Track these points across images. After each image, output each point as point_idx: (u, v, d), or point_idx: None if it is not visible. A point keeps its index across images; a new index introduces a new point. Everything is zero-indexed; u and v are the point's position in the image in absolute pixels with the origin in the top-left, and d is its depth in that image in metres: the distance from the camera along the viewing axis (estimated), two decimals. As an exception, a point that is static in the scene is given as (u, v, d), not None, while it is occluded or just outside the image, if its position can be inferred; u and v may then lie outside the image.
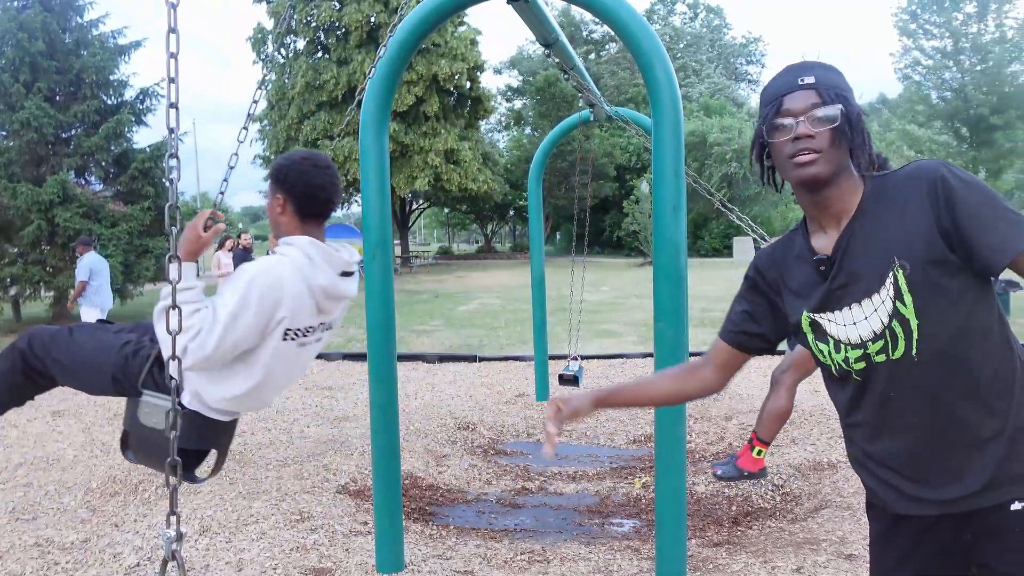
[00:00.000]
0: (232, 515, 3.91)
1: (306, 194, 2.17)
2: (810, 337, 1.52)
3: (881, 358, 1.39)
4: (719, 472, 4.40)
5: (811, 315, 1.49)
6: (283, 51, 27.60)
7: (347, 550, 3.51)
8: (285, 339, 2.12)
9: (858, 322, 1.41)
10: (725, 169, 32.20)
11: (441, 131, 24.92)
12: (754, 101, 54.75)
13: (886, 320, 1.36)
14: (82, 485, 4.49)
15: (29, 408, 6.55)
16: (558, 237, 43.85)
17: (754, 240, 5.45)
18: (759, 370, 7.34)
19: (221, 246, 11.50)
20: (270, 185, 2.23)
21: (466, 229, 59.22)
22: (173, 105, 1.61)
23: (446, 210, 44.23)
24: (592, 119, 6.21)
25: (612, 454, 5.26)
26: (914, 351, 1.35)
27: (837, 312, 1.44)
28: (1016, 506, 1.36)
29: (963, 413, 1.36)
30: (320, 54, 26.66)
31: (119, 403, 6.92)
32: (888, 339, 1.37)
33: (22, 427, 5.94)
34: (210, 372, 2.11)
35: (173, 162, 1.64)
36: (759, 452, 4.19)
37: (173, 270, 1.73)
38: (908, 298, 1.34)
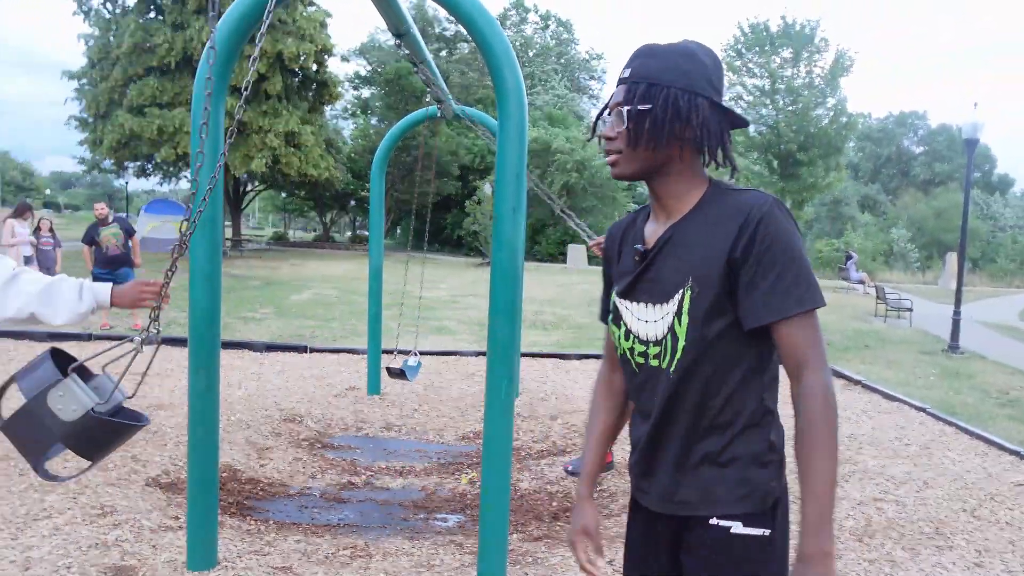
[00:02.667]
0: (20, 509, 3.56)
1: None
2: (611, 316, 1.55)
3: (655, 362, 1.43)
4: (570, 468, 4.63)
5: (616, 297, 1.52)
6: (109, 5, 25.24)
7: (154, 546, 3.30)
8: None
9: (648, 321, 1.44)
10: (566, 178, 33.41)
11: (283, 112, 23.84)
12: (594, 115, 57.18)
13: (665, 331, 1.40)
14: None
15: None
16: (398, 231, 43.43)
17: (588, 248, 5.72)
18: (586, 372, 7.72)
19: (19, 214, 10.35)
20: None
21: (304, 216, 57.09)
22: None
23: (283, 195, 42.38)
24: (440, 115, 6.24)
25: (441, 450, 5.31)
26: (672, 368, 1.40)
27: (635, 304, 1.46)
28: (713, 522, 1.39)
29: (690, 430, 1.40)
30: (153, 15, 24.64)
31: None
32: (665, 348, 1.41)
33: None
34: None
35: None
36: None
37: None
38: (685, 319, 1.36)
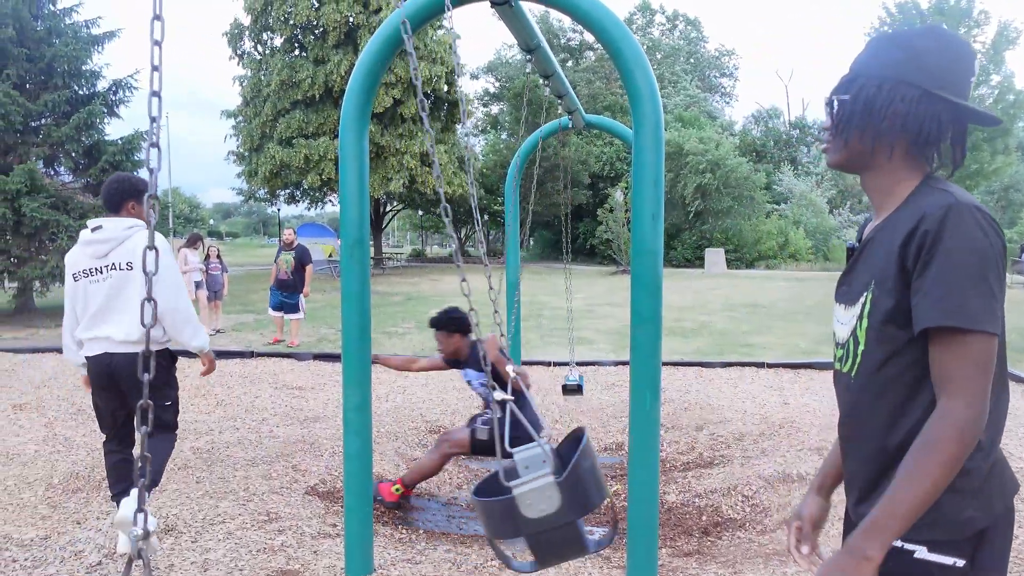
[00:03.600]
0: (198, 514, 3.85)
1: None
2: None
3: (838, 366, 1.42)
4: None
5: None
6: (260, 48, 27.30)
7: (315, 552, 3.47)
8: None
9: (841, 323, 1.41)
10: (699, 180, 32.54)
11: (417, 133, 24.83)
12: (728, 114, 55.43)
13: (848, 335, 1.37)
14: (43, 480, 4.39)
15: (-11, 402, 6.40)
16: (531, 243, 43.94)
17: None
18: (730, 381, 7.43)
19: (191, 244, 11.36)
20: None
21: (440, 232, 59.14)
22: (156, 94, 1.58)
23: (420, 212, 44.06)
24: (570, 126, 6.25)
25: (583, 461, 5.26)
26: (853, 373, 1.36)
27: (837, 304, 1.45)
28: (898, 544, 1.27)
29: (870, 443, 1.34)
30: (297, 52, 26.43)
31: (83, 399, 6.79)
32: (847, 352, 1.38)
33: (-19, 421, 5.79)
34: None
35: (154, 152, 1.60)
36: (397, 489, 4.28)
37: (150, 259, 1.69)
38: (864, 323, 1.31)
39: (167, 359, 3.72)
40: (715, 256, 28.80)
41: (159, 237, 3.09)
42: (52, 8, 14.47)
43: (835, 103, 1.35)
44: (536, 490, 1.68)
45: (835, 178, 39.11)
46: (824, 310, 14.84)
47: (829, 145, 1.39)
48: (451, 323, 4.41)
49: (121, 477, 3.66)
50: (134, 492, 3.50)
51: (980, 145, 30.54)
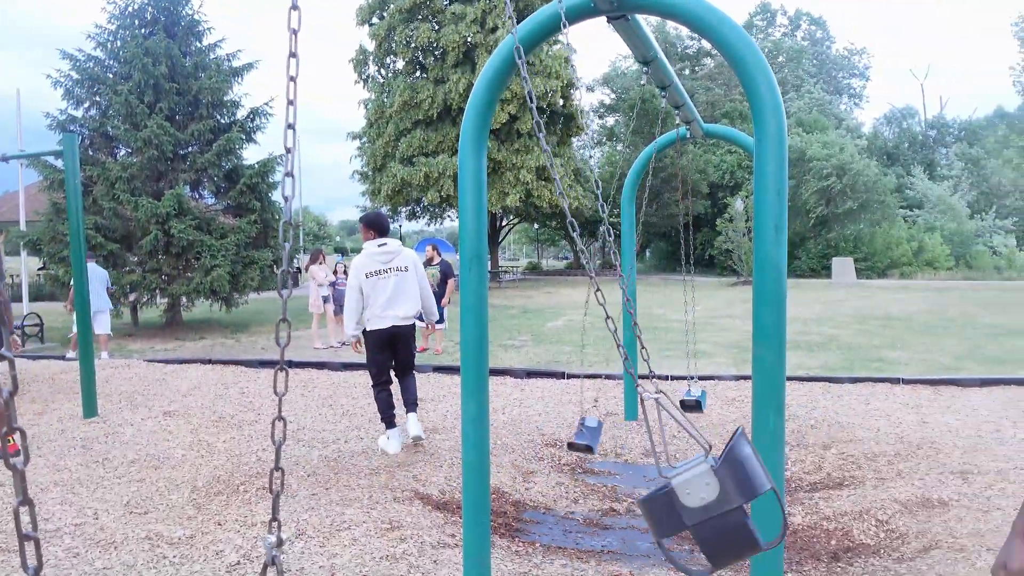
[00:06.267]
0: (326, 520, 4.03)
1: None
2: None
3: None
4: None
5: None
6: (383, 71, 28.51)
7: (435, 562, 3.56)
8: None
9: None
10: (822, 185, 31.04)
11: (533, 148, 25.12)
12: (857, 116, 52.60)
13: None
14: (188, 483, 4.74)
15: (143, 407, 6.98)
16: (647, 254, 43.27)
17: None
18: (860, 397, 7.02)
19: (314, 260, 11.98)
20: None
21: (555, 245, 59.38)
22: (291, 126, 1.69)
23: (535, 226, 44.44)
24: (688, 136, 6.14)
25: (703, 479, 5.11)
26: None
27: None
28: None
29: None
30: (417, 74, 27.43)
31: (225, 406, 7.30)
32: None
33: (137, 425, 6.32)
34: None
35: (289, 180, 1.71)
36: None
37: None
38: None
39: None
40: (843, 265, 27.33)
41: (409, 252, 5.66)
42: (198, 45, 15.73)
43: None
44: (694, 478, 1.69)
45: (976, 181, 36.23)
46: (969, 323, 13.74)
47: None
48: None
49: (390, 405, 5.51)
50: (413, 416, 5.51)
51: None
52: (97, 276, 10.57)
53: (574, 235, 2.22)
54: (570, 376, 8.38)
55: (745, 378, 7.71)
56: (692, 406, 5.77)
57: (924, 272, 30.18)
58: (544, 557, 3.75)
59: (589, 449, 4.88)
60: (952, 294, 20.95)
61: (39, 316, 13.71)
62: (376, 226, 5.73)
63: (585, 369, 8.80)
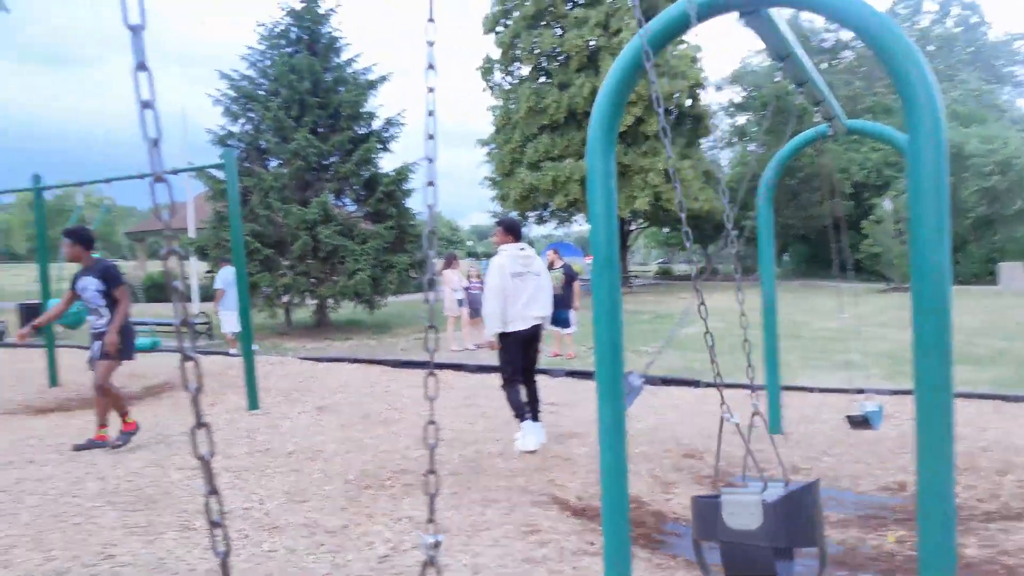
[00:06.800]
0: (468, 519, 4.12)
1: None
2: None
3: None
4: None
5: None
6: (508, 78, 28.94)
7: (575, 568, 3.55)
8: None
9: None
10: (984, 183, 28.54)
11: (661, 151, 24.69)
12: (1021, 105, 48.07)
13: None
14: (340, 476, 4.99)
15: (299, 402, 7.43)
16: (785, 258, 41.45)
17: None
18: (1036, 416, 6.39)
19: (448, 265, 12.30)
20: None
21: (685, 249, 57.79)
22: (431, 136, 1.74)
23: (665, 229, 43.59)
24: (830, 133, 5.80)
25: (857, 500, 4.81)
26: None
27: None
28: None
29: None
30: (542, 79, 27.64)
31: (371, 403, 7.67)
32: None
33: (293, 419, 6.74)
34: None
35: (431, 189, 1.75)
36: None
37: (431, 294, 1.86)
38: None
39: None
40: (1013, 270, 25.02)
41: (539, 258, 6.02)
42: (338, 60, 16.60)
43: None
44: (742, 502, 1.80)
45: None
46: None
47: None
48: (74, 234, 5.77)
49: (524, 400, 5.78)
50: (540, 425, 5.81)
51: None
52: (228, 278, 11.31)
53: (687, 244, 2.20)
54: (706, 385, 8.15)
55: (903, 392, 7.20)
56: (860, 422, 5.41)
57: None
58: (687, 572, 3.66)
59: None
60: None
61: (207, 315, 14.99)
62: (514, 230, 5.99)
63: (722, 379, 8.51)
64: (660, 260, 64.09)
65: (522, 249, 5.89)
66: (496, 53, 28.24)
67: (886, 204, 25.78)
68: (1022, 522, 4.24)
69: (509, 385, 5.79)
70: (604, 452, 3.39)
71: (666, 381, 8.31)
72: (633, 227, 35.45)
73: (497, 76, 29.10)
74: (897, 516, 4.41)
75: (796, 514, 1.77)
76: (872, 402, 5.61)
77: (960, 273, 28.89)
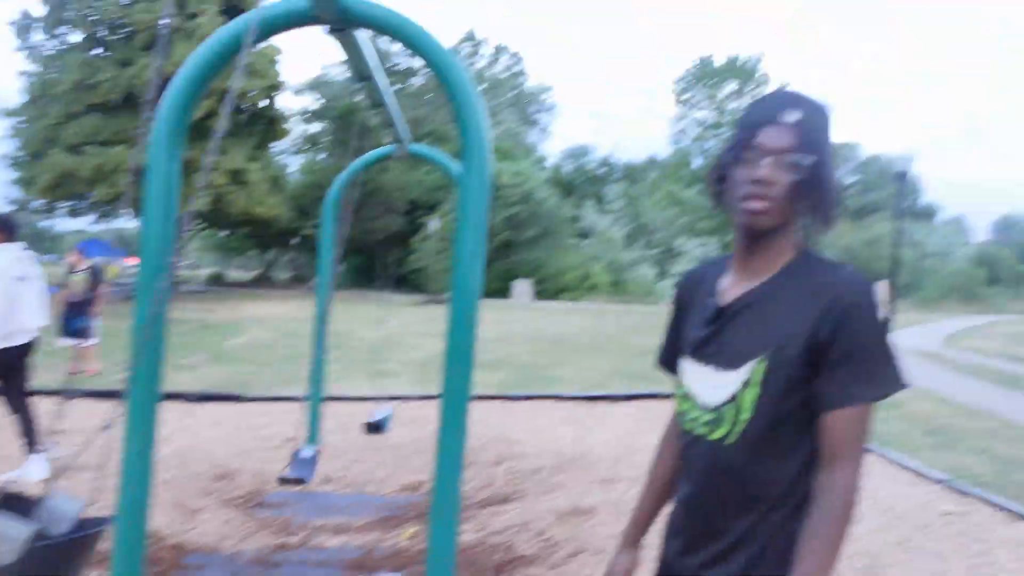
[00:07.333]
0: None
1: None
2: (678, 369, 1.49)
3: (704, 430, 1.36)
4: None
5: (683, 354, 1.46)
6: (54, 42, 24.60)
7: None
8: None
9: (710, 386, 1.36)
10: (510, 211, 33.72)
11: (228, 149, 23.50)
12: (543, 148, 58.07)
13: (726, 399, 1.33)
14: None
15: None
16: (339, 269, 42.82)
17: None
18: (532, 414, 7.66)
19: None
20: None
21: (243, 254, 55.19)
22: None
23: (224, 233, 41.35)
24: (396, 155, 6.15)
25: (381, 502, 5.16)
26: (727, 439, 1.33)
27: (700, 365, 1.39)
28: None
29: (732, 506, 1.34)
30: (99, 51, 24.07)
31: None
32: (721, 417, 1.34)
33: None
34: None
35: None
36: None
37: None
38: (754, 392, 1.29)
39: None
40: (522, 287, 29.78)
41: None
42: None
43: (805, 164, 1.27)
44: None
45: (631, 215, 42.29)
46: (622, 344, 15.77)
47: (770, 206, 1.28)
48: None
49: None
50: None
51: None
52: None
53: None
54: (251, 399, 7.95)
55: (430, 398, 7.94)
56: (374, 428, 5.79)
57: (588, 296, 34.27)
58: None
59: (302, 482, 4.92)
60: (610, 316, 23.93)
61: None
62: (10, 228, 5.33)
63: (266, 392, 8.40)
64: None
65: (25, 249, 5.29)
66: (40, 10, 23.71)
67: (432, 224, 28.55)
68: (509, 504, 5.01)
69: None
70: (125, 487, 2.95)
71: (205, 397, 7.86)
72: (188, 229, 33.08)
73: (38, 37, 24.44)
74: (411, 514, 4.84)
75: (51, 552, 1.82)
76: (381, 409, 6.07)
77: (483, 289, 33.70)
